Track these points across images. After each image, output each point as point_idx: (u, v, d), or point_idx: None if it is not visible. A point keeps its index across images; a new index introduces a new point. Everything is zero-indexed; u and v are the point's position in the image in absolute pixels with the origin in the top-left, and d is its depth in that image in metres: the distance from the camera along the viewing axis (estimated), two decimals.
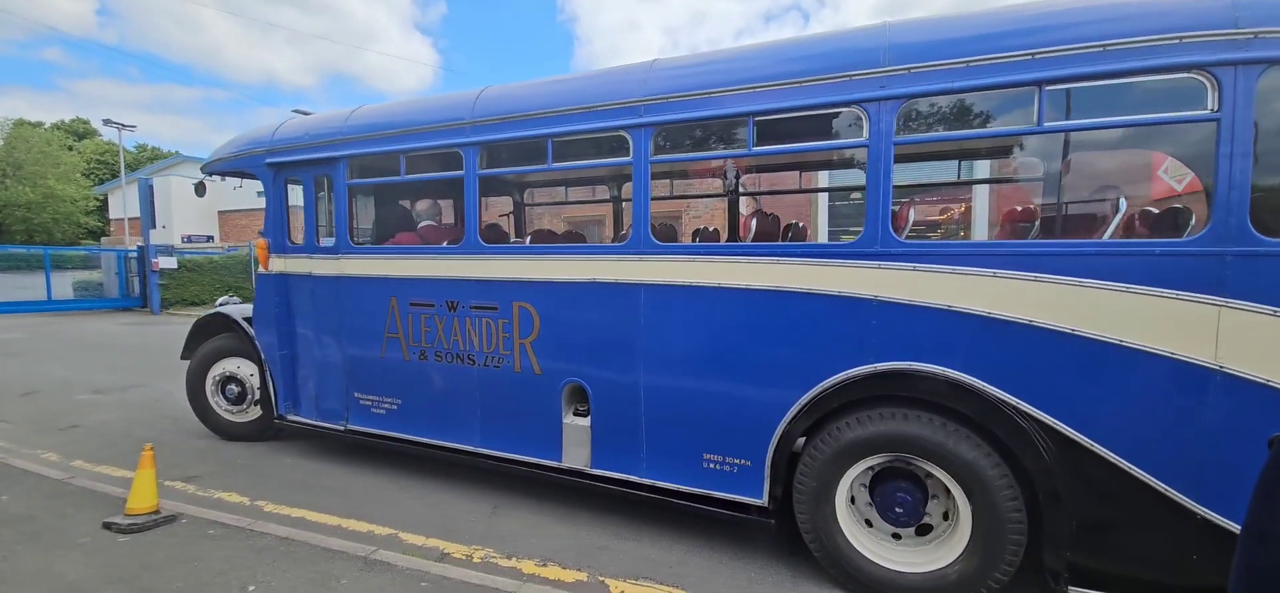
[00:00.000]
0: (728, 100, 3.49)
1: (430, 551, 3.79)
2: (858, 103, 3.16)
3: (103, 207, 41.18)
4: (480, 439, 4.55)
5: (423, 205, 5.25)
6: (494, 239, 4.92)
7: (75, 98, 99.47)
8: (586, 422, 4.08)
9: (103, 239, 37.80)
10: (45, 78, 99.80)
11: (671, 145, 3.94)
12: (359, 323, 4.90)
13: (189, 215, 33.15)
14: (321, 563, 3.45)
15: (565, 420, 4.16)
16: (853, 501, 3.43)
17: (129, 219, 30.70)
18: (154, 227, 21.47)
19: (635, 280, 3.77)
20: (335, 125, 4.97)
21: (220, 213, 34.84)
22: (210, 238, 32.06)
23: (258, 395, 5.62)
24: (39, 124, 44.23)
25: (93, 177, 42.41)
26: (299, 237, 5.33)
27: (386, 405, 4.89)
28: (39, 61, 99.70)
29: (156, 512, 3.94)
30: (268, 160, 5.24)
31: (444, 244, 4.90)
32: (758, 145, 3.57)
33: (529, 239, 5.03)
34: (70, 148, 41.98)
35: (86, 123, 49.29)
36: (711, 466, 3.66)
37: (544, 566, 3.65)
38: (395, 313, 4.73)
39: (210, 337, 5.92)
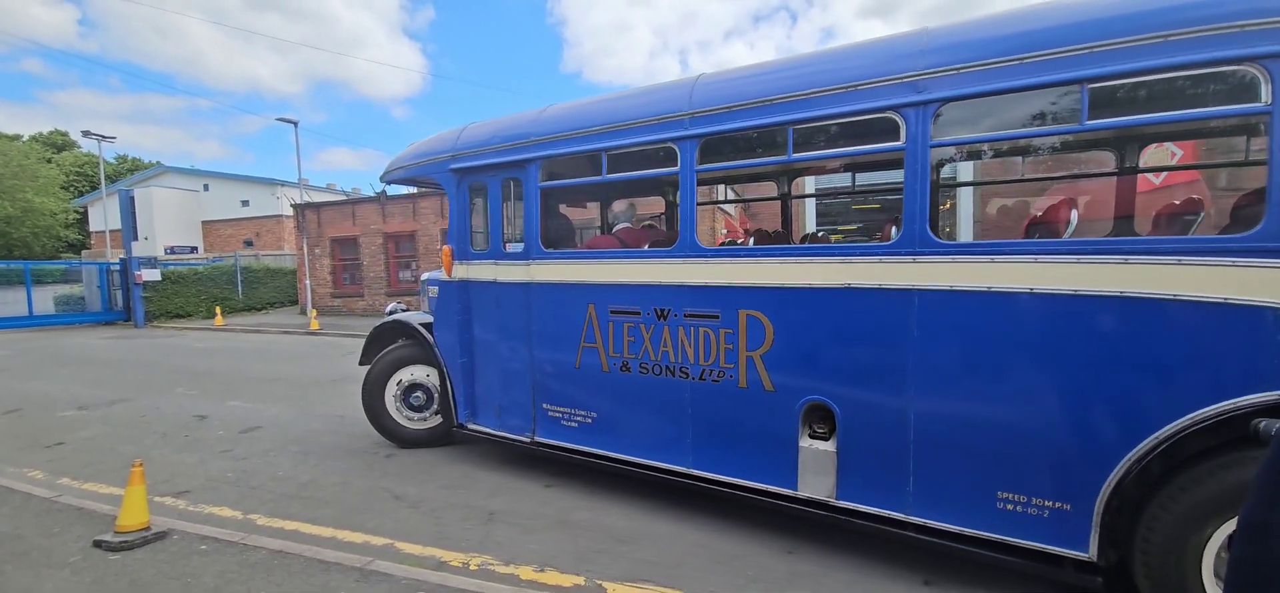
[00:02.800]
0: (1050, 66, 2.79)
1: (427, 559, 3.64)
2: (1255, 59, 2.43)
3: (83, 219, 39.53)
4: (693, 460, 4.04)
5: (619, 207, 4.92)
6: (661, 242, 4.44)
7: (54, 109, 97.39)
8: (830, 446, 3.53)
9: (83, 252, 36.90)
10: (23, 90, 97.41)
11: (963, 124, 3.33)
12: (550, 332, 4.53)
13: (171, 226, 32.54)
14: (317, 575, 3.29)
15: (802, 444, 3.62)
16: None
17: (110, 231, 29.99)
18: (136, 238, 21.15)
19: (907, 285, 3.17)
20: (525, 126, 4.62)
21: (204, 223, 34.31)
22: (194, 248, 31.44)
23: (438, 403, 5.50)
24: (16, 137, 43.04)
25: (72, 189, 41.04)
26: (483, 243, 5.09)
27: (579, 419, 4.49)
28: (16, 73, 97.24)
29: (147, 528, 3.74)
30: (452, 166, 4.98)
31: (647, 247, 4.43)
32: (1093, 117, 2.79)
33: (750, 240, 4.46)
34: (48, 160, 40.69)
35: (65, 135, 47.48)
36: (1010, 506, 2.99)
37: (542, 571, 3.52)
38: (593, 321, 4.29)
39: (387, 344, 5.82)
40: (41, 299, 19.42)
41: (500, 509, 4.37)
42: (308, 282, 20.19)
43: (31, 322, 18.62)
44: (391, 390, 5.61)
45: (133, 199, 20.89)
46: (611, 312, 4.22)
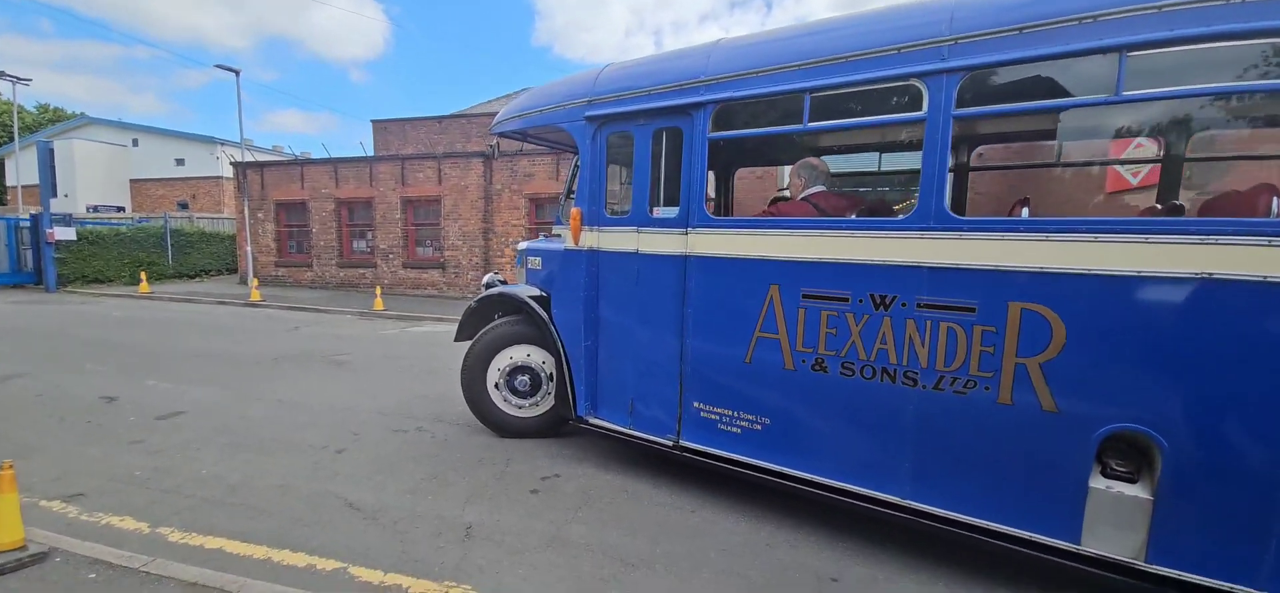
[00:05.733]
0: None
1: (389, 590, 2.90)
2: None
3: None
4: (911, 490, 3.06)
5: (815, 164, 3.82)
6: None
7: None
8: (1140, 492, 2.56)
9: None
10: None
11: None
12: (713, 316, 3.60)
13: (95, 183, 29.46)
14: None
15: (1094, 485, 2.64)
16: None
17: (24, 187, 27.24)
18: (54, 195, 19.05)
19: None
20: (692, 63, 3.65)
21: (132, 182, 31.41)
22: (120, 208, 28.52)
23: (550, 388, 4.66)
24: None
25: None
26: (622, 205, 4.20)
27: (745, 423, 3.57)
28: None
29: (21, 548, 2.88)
30: (588, 113, 4.08)
31: (853, 216, 3.43)
32: None
33: (1025, 211, 3.25)
34: None
35: None
36: None
37: None
38: (775, 306, 3.36)
39: (486, 320, 4.98)
40: None
41: (479, 522, 3.47)
42: (248, 248, 18.36)
43: None
44: (494, 373, 4.73)
45: (51, 151, 18.54)
46: (804, 296, 3.26)
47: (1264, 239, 2.28)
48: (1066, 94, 3.00)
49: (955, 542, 2.97)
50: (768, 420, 3.50)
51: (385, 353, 8.63)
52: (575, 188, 4.58)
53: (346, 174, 17.53)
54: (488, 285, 5.15)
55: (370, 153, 19.22)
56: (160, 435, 4.89)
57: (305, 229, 18.36)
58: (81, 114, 34.21)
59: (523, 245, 4.95)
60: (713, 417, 3.71)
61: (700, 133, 3.59)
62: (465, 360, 4.83)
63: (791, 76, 3.29)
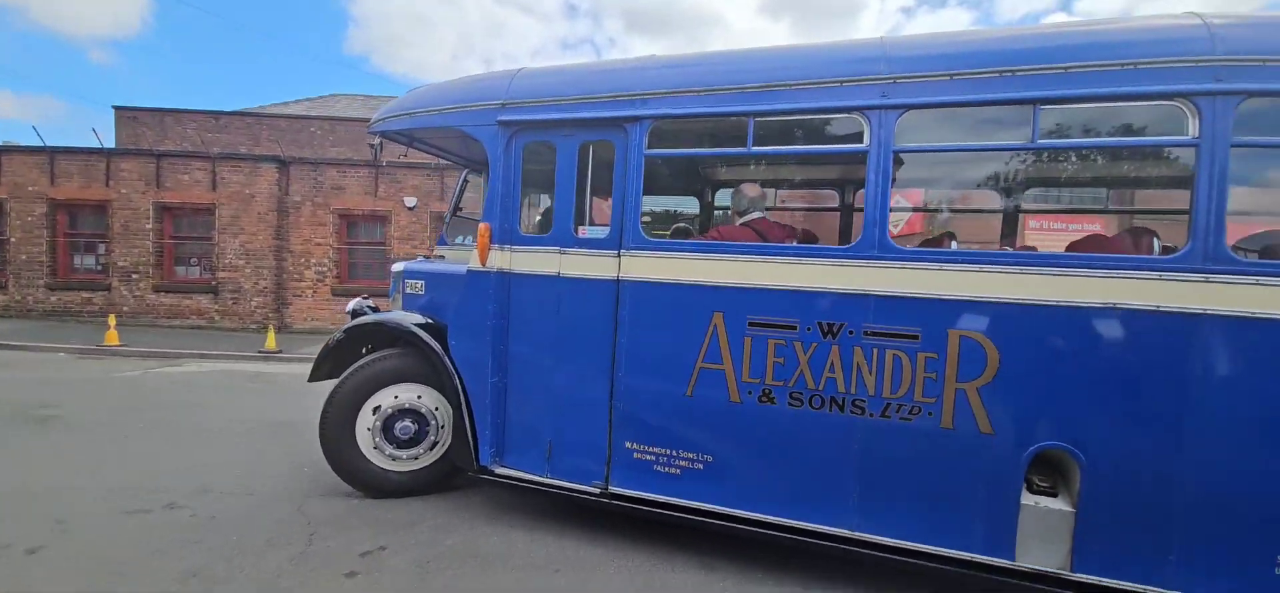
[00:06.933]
0: None
1: None
2: None
3: None
4: (858, 520, 3.02)
5: (751, 192, 3.67)
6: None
7: None
8: (1063, 506, 2.78)
9: None
10: None
11: None
12: (651, 347, 3.32)
13: None
14: None
15: (1025, 502, 2.82)
16: None
17: None
18: None
19: (1197, 309, 2.53)
20: (626, 76, 3.45)
21: None
22: None
23: (441, 435, 3.98)
24: None
25: None
26: (540, 224, 4.00)
27: (684, 462, 3.34)
28: None
29: None
30: (503, 117, 3.65)
31: (799, 244, 3.42)
32: None
33: (953, 244, 3.47)
34: None
35: None
36: None
37: None
38: (720, 335, 3.20)
39: (353, 356, 4.18)
40: None
41: None
42: None
43: None
44: (366, 419, 3.90)
45: None
46: (751, 324, 3.12)
47: (1155, 274, 2.62)
48: (1002, 136, 3.32)
49: (903, 570, 2.98)
50: (710, 458, 3.27)
51: (121, 404, 6.42)
52: (462, 204, 4.24)
53: (69, 168, 13.61)
54: (355, 313, 4.38)
55: (110, 145, 15.27)
56: None
57: None
58: None
59: (399, 267, 4.32)
60: (648, 458, 3.37)
61: (636, 148, 3.38)
62: (326, 407, 3.98)
63: (737, 98, 3.22)
